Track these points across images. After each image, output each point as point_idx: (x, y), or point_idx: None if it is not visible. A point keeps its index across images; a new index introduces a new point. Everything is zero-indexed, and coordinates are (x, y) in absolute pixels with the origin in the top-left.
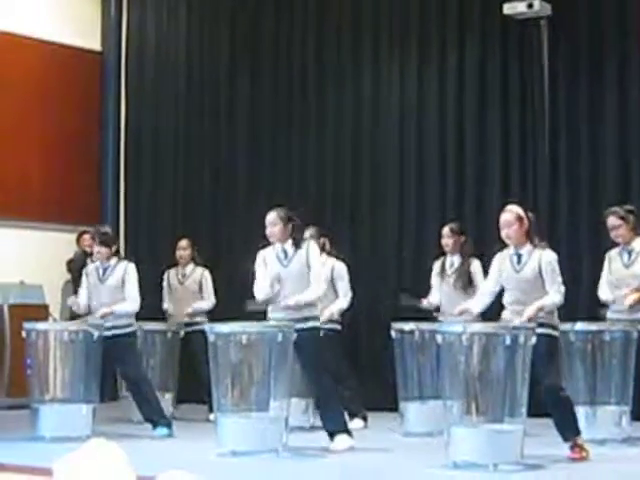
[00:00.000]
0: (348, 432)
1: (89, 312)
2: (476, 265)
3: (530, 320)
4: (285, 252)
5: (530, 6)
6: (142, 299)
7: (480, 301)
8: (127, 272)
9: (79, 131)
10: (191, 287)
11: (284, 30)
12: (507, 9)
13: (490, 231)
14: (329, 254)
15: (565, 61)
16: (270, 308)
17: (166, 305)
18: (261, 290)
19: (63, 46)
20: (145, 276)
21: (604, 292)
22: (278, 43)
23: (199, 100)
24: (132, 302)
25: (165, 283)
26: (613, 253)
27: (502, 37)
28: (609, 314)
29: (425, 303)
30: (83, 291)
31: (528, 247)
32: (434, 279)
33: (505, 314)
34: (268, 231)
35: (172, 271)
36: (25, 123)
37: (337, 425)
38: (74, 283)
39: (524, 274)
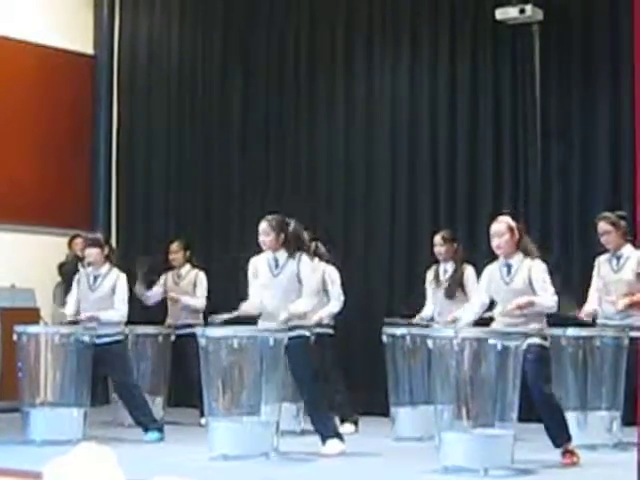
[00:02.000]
0: (339, 436)
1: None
2: (470, 271)
3: (520, 308)
4: (276, 261)
5: (522, 11)
6: (130, 305)
7: (470, 312)
8: (118, 282)
9: (71, 135)
10: (185, 288)
11: (276, 32)
12: (499, 14)
13: (482, 239)
14: (320, 258)
15: (557, 66)
16: (261, 317)
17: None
18: (252, 305)
19: (55, 50)
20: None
21: (591, 303)
22: (270, 45)
23: (191, 103)
24: (118, 312)
25: (162, 285)
26: (602, 259)
27: (494, 42)
28: (599, 320)
29: (417, 319)
30: (72, 299)
31: (518, 258)
32: (428, 288)
33: (495, 326)
34: (260, 240)
35: (169, 274)
36: (17, 126)
37: (327, 430)
38: (66, 287)
39: (514, 285)
